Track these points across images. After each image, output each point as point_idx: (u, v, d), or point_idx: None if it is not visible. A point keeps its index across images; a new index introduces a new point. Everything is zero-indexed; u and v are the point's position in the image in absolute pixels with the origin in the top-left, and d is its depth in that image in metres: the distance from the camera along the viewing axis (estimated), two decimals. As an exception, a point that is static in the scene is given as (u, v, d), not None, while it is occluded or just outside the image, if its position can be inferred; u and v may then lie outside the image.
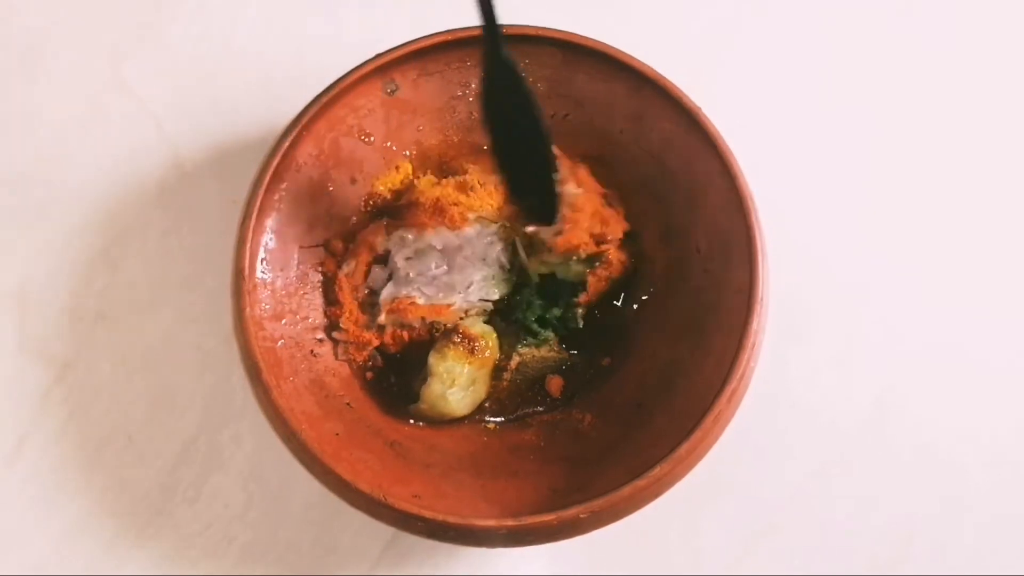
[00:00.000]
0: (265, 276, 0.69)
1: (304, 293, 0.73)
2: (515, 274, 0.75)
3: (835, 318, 0.79)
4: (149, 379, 0.77)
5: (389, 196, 0.76)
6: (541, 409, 0.74)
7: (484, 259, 0.74)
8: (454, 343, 0.72)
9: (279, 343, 0.69)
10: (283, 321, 0.70)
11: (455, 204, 0.73)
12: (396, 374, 0.74)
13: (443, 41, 0.72)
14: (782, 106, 0.83)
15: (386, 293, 0.73)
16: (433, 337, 0.73)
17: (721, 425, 0.66)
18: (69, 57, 0.84)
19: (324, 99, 0.70)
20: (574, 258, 0.74)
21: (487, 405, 0.74)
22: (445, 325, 0.73)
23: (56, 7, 0.85)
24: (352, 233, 0.74)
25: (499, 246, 0.74)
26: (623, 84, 0.73)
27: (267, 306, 0.69)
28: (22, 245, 0.79)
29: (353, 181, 0.75)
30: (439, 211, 0.73)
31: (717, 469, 0.69)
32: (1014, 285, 0.80)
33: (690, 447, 0.64)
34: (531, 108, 0.64)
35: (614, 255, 0.74)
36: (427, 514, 0.63)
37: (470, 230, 0.73)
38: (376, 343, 0.73)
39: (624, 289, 0.76)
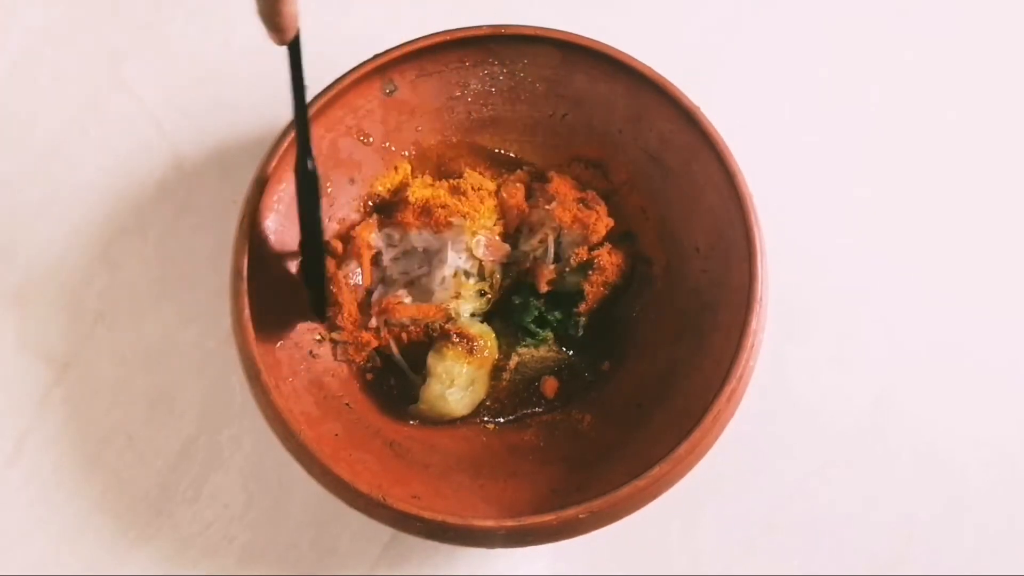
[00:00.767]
0: (264, 277, 0.69)
1: (303, 294, 0.72)
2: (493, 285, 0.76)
3: (834, 318, 0.79)
4: (149, 379, 0.77)
5: (388, 197, 0.76)
6: (540, 410, 0.74)
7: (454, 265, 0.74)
8: (452, 343, 0.72)
9: (278, 344, 0.69)
10: (282, 322, 0.70)
11: (442, 207, 0.73)
12: (395, 375, 0.74)
13: (442, 41, 0.72)
14: (781, 106, 0.83)
15: (376, 294, 0.74)
16: (431, 338, 0.73)
17: (720, 425, 0.66)
18: (69, 57, 0.84)
19: (322, 100, 0.70)
20: (567, 270, 0.74)
21: (487, 405, 0.74)
22: (441, 325, 0.73)
23: (56, 7, 0.85)
24: (351, 234, 0.74)
25: (463, 255, 0.74)
26: (622, 84, 0.73)
27: (266, 307, 0.69)
28: (22, 245, 0.79)
29: (352, 181, 0.75)
30: (426, 212, 0.73)
31: (716, 469, 0.69)
32: (1014, 285, 0.80)
33: (689, 447, 0.64)
34: (316, 213, 0.68)
35: (607, 260, 0.74)
36: (426, 515, 0.63)
37: (449, 234, 0.73)
38: (375, 344, 0.73)
39: (625, 292, 0.76)
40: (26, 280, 0.79)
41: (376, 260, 0.74)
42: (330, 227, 0.74)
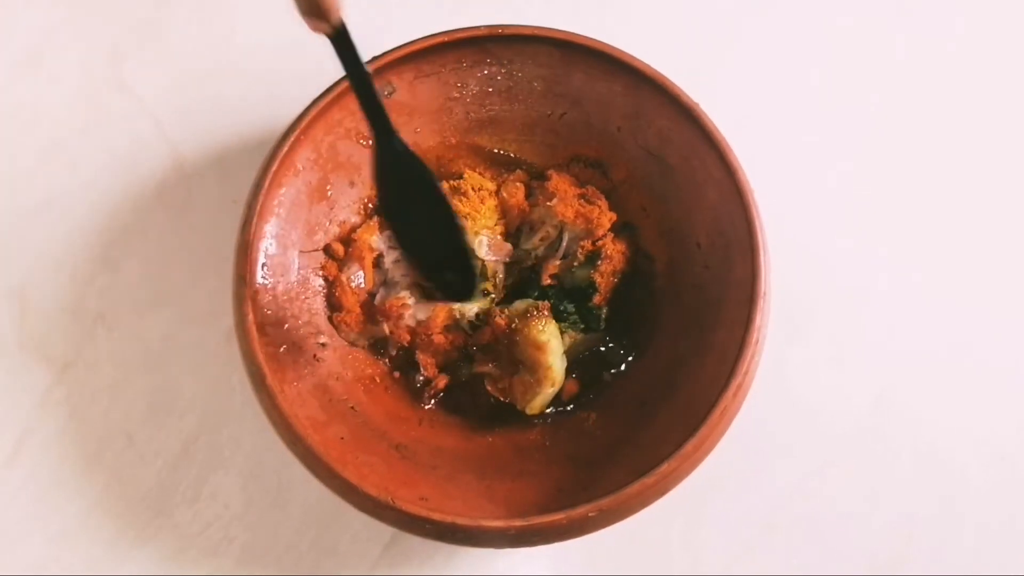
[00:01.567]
0: (266, 282, 0.69)
1: (306, 298, 0.73)
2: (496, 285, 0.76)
3: (835, 318, 0.79)
4: (149, 379, 0.77)
5: (387, 199, 0.76)
6: (550, 409, 0.74)
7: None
8: (539, 311, 0.72)
9: (282, 348, 0.69)
10: (285, 326, 0.70)
11: None
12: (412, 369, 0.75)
13: (439, 43, 0.72)
14: (781, 105, 0.83)
15: (379, 297, 0.74)
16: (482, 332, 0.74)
17: (727, 421, 0.66)
18: (69, 57, 0.84)
19: (321, 103, 0.70)
20: (575, 264, 0.74)
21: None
22: (504, 310, 0.73)
23: (56, 7, 0.85)
24: (352, 237, 0.74)
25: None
26: (620, 82, 0.73)
27: (269, 312, 0.69)
28: (22, 245, 0.79)
29: (352, 184, 0.75)
30: None
31: (717, 469, 0.68)
32: (1014, 285, 0.80)
33: (697, 443, 0.64)
34: (433, 190, 0.64)
35: (612, 249, 0.74)
36: (435, 516, 0.63)
37: None
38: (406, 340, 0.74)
39: (631, 280, 0.76)
40: (26, 280, 0.79)
41: (378, 262, 0.74)
42: (330, 230, 0.74)
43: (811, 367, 0.78)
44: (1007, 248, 0.81)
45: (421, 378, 0.74)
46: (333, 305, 0.74)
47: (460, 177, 0.76)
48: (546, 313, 0.72)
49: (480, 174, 0.77)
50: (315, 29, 0.57)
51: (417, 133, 0.76)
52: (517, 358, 0.72)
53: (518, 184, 0.77)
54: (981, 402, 0.77)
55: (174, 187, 0.81)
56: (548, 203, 0.75)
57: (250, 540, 0.74)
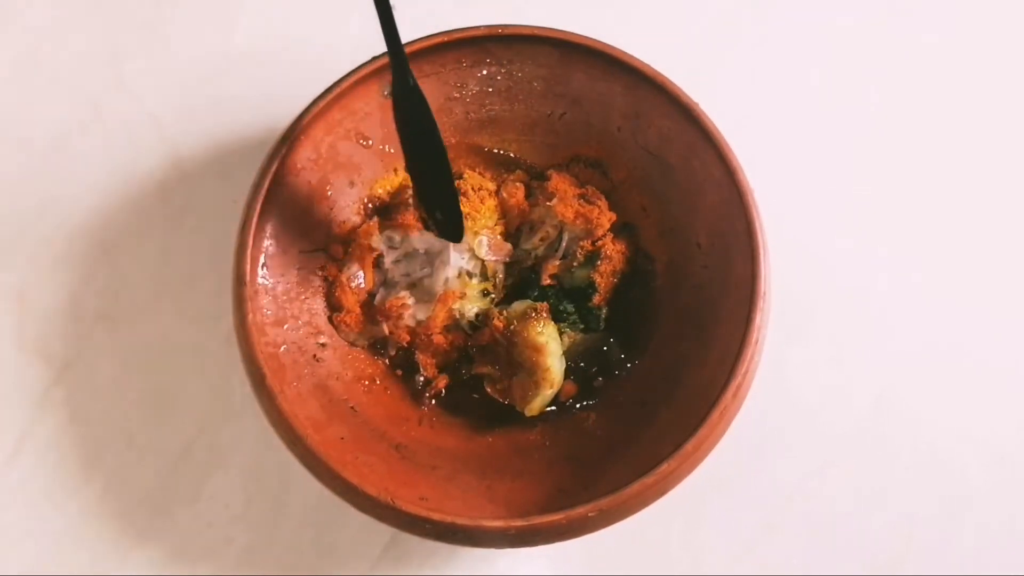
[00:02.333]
0: (266, 282, 0.69)
1: (305, 298, 0.73)
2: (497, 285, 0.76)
3: (835, 318, 0.79)
4: (149, 379, 0.77)
5: (388, 199, 0.76)
6: (551, 408, 0.74)
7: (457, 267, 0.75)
8: (535, 316, 0.72)
9: (282, 348, 0.69)
10: (285, 326, 0.70)
11: None
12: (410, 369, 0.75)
13: (439, 43, 0.72)
14: (781, 105, 0.83)
15: (379, 297, 0.74)
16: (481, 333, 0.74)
17: (727, 420, 0.65)
18: (69, 58, 0.84)
19: (321, 103, 0.70)
20: (574, 264, 0.74)
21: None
22: (502, 311, 0.74)
23: (56, 7, 0.85)
24: (352, 237, 0.74)
25: (466, 255, 0.74)
26: (620, 82, 0.73)
27: (269, 312, 0.69)
28: (22, 245, 0.79)
29: (352, 184, 0.75)
30: None
31: (716, 469, 0.69)
32: (1014, 285, 0.80)
33: (696, 443, 0.64)
34: (432, 131, 0.67)
35: (612, 249, 0.74)
36: (435, 516, 0.63)
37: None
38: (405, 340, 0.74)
39: (631, 280, 0.76)
40: (26, 280, 0.79)
41: (378, 263, 0.74)
42: (330, 230, 0.74)
43: (811, 367, 0.78)
44: (1007, 248, 0.81)
45: (421, 378, 0.74)
46: (333, 305, 0.74)
47: (460, 177, 0.76)
48: (544, 315, 0.72)
49: (480, 174, 0.77)
50: None
51: (418, 133, 0.76)
52: (516, 359, 0.72)
53: (518, 184, 0.77)
54: (981, 402, 0.77)
55: (174, 187, 0.81)
56: (548, 203, 0.75)
57: (250, 540, 0.74)
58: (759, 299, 0.66)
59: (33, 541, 0.74)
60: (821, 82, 0.84)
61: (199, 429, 0.76)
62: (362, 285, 0.74)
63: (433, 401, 0.74)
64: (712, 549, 0.74)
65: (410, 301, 0.73)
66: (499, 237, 0.75)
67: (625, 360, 0.74)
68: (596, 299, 0.74)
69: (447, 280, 0.74)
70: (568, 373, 0.73)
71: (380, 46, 0.69)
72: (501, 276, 0.76)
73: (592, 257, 0.74)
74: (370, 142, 0.74)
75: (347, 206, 0.75)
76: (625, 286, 0.76)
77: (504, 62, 0.74)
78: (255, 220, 0.68)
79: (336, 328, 0.73)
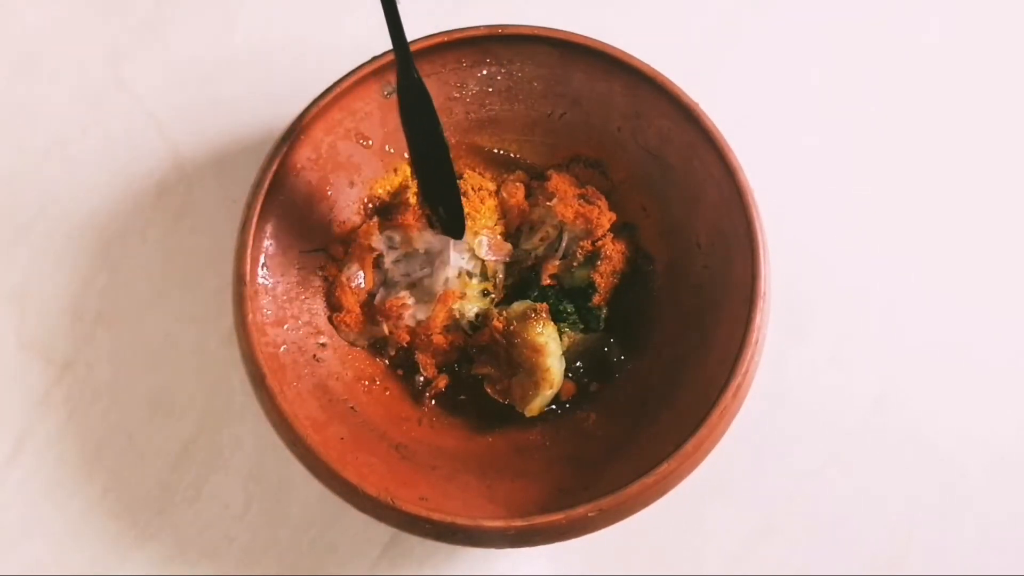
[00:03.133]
0: (266, 282, 0.70)
1: (305, 298, 0.73)
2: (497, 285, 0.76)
3: (835, 317, 0.79)
4: (149, 379, 0.77)
5: (388, 199, 0.76)
6: (552, 406, 0.74)
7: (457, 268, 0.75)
8: (537, 313, 0.72)
9: (282, 348, 0.69)
10: (285, 326, 0.70)
11: None
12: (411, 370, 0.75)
13: (439, 43, 0.72)
14: (781, 105, 0.83)
15: (379, 297, 0.74)
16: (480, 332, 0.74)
17: (727, 420, 0.66)
18: (69, 57, 0.84)
19: (321, 103, 0.70)
20: (574, 264, 0.74)
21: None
22: (501, 311, 0.74)
23: (56, 7, 0.85)
24: (352, 237, 0.74)
25: (466, 255, 0.75)
26: (620, 82, 0.73)
27: (269, 312, 0.69)
28: (22, 245, 0.79)
29: (352, 184, 0.75)
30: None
31: (716, 469, 0.69)
32: (1015, 284, 0.80)
33: (696, 442, 0.64)
34: (435, 126, 0.69)
35: (611, 249, 0.74)
36: (435, 516, 0.63)
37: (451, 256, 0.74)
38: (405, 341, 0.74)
39: (631, 280, 0.76)
40: (26, 280, 0.79)
41: (378, 262, 0.74)
42: (330, 230, 0.74)
43: (811, 367, 0.78)
44: (1007, 248, 0.81)
45: (421, 379, 0.74)
46: (333, 305, 0.74)
47: (460, 177, 0.76)
48: (544, 315, 0.72)
49: (480, 174, 0.77)
50: None
51: (417, 133, 0.76)
52: (515, 360, 0.72)
53: (518, 184, 0.77)
54: (981, 402, 0.77)
55: (173, 187, 0.81)
56: (548, 203, 0.75)
57: (250, 540, 0.74)
58: (759, 299, 0.66)
59: (33, 541, 0.74)
60: (821, 82, 0.84)
61: (199, 429, 0.76)
62: (362, 285, 0.74)
63: (433, 401, 0.74)
64: (712, 549, 0.74)
65: (410, 301, 0.73)
66: (499, 237, 0.75)
67: (625, 360, 0.74)
68: (596, 299, 0.74)
69: (447, 280, 0.74)
70: (568, 373, 0.73)
71: (380, 46, 0.70)
72: (501, 276, 0.76)
73: (592, 257, 0.74)
74: (370, 142, 0.74)
75: (347, 206, 0.75)
76: (625, 286, 0.75)
77: (504, 62, 0.74)
78: (255, 220, 0.68)
79: (336, 328, 0.73)
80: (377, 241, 0.73)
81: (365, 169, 0.75)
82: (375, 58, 0.71)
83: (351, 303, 0.73)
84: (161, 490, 0.75)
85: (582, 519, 0.63)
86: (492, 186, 0.76)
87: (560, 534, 0.64)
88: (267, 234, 0.70)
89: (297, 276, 0.72)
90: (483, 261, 0.74)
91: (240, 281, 0.67)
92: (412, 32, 0.71)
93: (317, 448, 0.64)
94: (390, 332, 0.73)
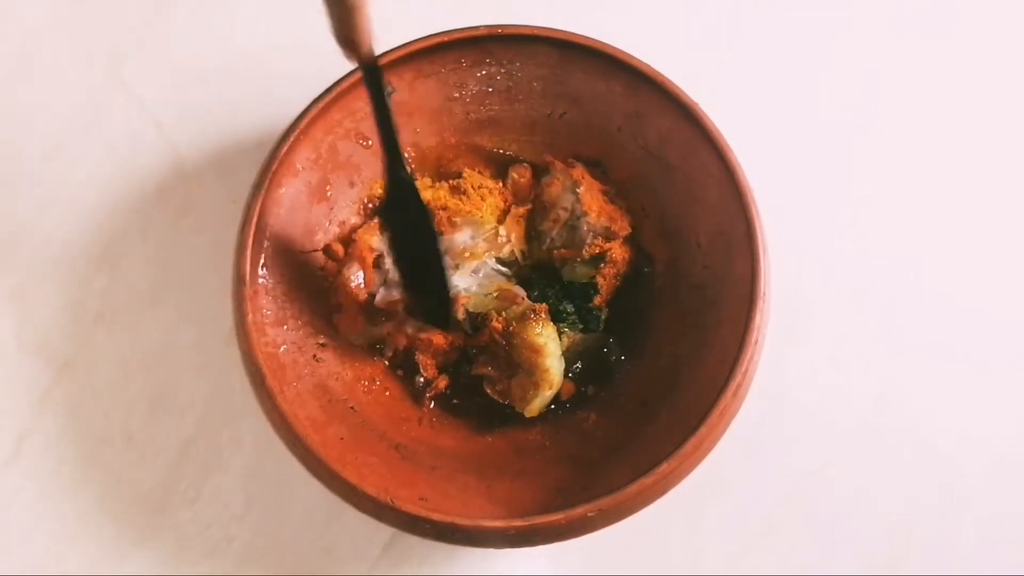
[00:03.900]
0: (266, 282, 0.70)
1: (305, 298, 0.73)
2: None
3: (835, 317, 0.79)
4: (149, 379, 0.77)
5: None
6: (552, 406, 0.74)
7: (470, 269, 0.75)
8: (536, 314, 0.72)
9: (282, 348, 0.69)
10: (285, 326, 0.70)
11: (444, 208, 0.74)
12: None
13: (439, 43, 0.72)
14: (781, 105, 0.83)
15: (379, 296, 0.73)
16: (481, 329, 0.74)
17: (726, 420, 0.66)
18: (69, 57, 0.84)
19: (321, 103, 0.70)
20: (578, 260, 0.74)
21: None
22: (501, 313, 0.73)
23: (56, 7, 0.85)
24: (352, 237, 0.74)
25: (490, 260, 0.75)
26: (620, 82, 0.73)
27: (269, 312, 0.69)
28: (22, 245, 0.79)
29: (352, 184, 0.75)
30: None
31: (717, 469, 0.68)
32: (1015, 284, 0.80)
33: (696, 443, 0.64)
34: (426, 224, 0.71)
35: (618, 252, 0.74)
36: (435, 516, 0.63)
37: (456, 235, 0.74)
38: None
39: (632, 281, 0.76)
40: (26, 280, 0.79)
41: (378, 263, 0.74)
42: (330, 230, 0.74)
43: (811, 367, 0.78)
44: (1007, 247, 0.81)
45: (421, 379, 0.74)
46: (333, 305, 0.74)
47: (459, 176, 0.76)
48: (543, 316, 0.72)
49: (480, 173, 0.77)
50: (348, 58, 0.62)
51: (417, 133, 0.76)
52: (515, 360, 0.72)
53: (525, 165, 0.77)
54: (981, 402, 0.77)
55: (173, 187, 0.81)
56: (577, 190, 0.75)
57: (250, 540, 0.74)
58: (759, 299, 0.66)
59: (33, 541, 0.74)
60: (821, 82, 0.84)
61: (199, 429, 0.76)
62: (362, 285, 0.74)
63: (432, 403, 0.74)
64: (712, 549, 0.74)
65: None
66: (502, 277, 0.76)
67: (625, 360, 0.74)
68: (597, 300, 0.74)
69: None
70: (568, 373, 0.73)
71: (379, 47, 0.70)
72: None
73: (596, 259, 0.74)
74: (370, 142, 0.74)
75: (347, 206, 0.75)
76: (625, 286, 0.76)
77: (504, 62, 0.74)
78: (255, 220, 0.68)
79: (336, 328, 0.73)
80: (377, 241, 0.73)
81: (365, 169, 0.75)
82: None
83: (351, 303, 0.73)
84: (161, 490, 0.75)
85: (582, 519, 0.63)
86: (492, 184, 0.76)
87: (560, 534, 0.64)
88: (267, 234, 0.70)
89: (297, 276, 0.72)
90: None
91: (240, 281, 0.67)
92: (413, 32, 0.72)
93: (317, 448, 0.64)
94: (389, 333, 0.73)
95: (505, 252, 0.75)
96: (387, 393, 0.73)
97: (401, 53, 0.71)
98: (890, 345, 0.78)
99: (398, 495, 0.64)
